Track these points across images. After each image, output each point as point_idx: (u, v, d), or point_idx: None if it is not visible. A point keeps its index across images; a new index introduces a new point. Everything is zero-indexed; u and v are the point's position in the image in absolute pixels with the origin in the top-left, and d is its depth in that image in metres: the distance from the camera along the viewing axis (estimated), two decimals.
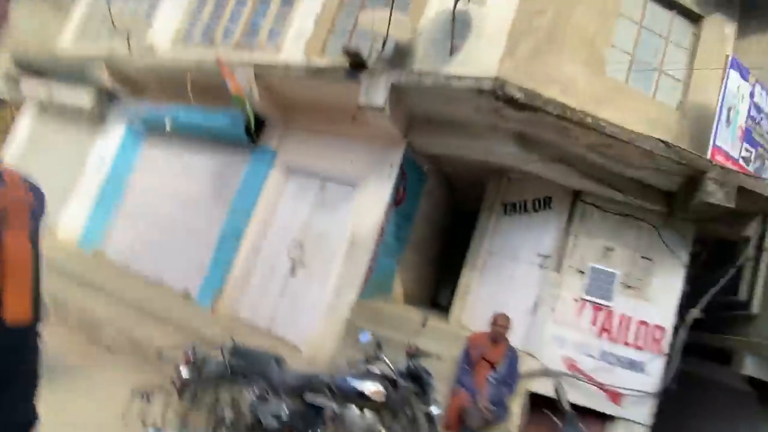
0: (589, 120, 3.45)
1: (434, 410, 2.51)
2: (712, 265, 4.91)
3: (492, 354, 3.51)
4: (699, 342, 4.66)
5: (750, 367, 4.37)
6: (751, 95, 3.98)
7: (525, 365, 3.83)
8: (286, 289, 4.91)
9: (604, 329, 4.08)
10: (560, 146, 3.91)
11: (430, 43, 4.33)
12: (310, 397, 2.48)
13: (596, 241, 4.28)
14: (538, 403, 3.95)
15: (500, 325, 3.58)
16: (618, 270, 4.20)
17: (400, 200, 4.79)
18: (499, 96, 3.43)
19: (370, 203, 4.56)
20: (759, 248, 5.01)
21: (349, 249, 4.51)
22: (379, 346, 2.76)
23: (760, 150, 4.15)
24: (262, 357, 2.71)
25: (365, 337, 2.86)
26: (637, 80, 4.40)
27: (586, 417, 3.61)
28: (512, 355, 3.55)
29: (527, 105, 3.41)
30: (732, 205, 3.59)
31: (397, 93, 3.98)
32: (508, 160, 4.16)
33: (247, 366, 2.60)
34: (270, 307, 4.94)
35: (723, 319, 5.04)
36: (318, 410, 2.44)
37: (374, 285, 4.69)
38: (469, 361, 3.56)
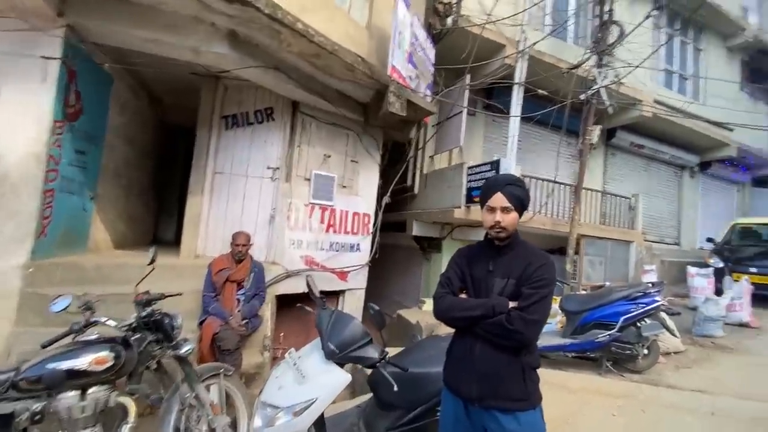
0: (299, 25, 3.43)
1: (184, 349, 2.25)
2: (390, 161, 6.46)
3: (237, 273, 3.43)
4: (388, 220, 6.27)
5: (415, 229, 6.37)
6: (412, 24, 5.07)
7: (270, 273, 4.01)
8: None
9: (330, 225, 4.76)
10: (274, 52, 3.77)
11: None
12: None
13: (316, 150, 4.69)
14: (285, 303, 4.34)
15: (241, 243, 3.49)
16: (335, 173, 4.84)
17: (75, 113, 3.44)
18: None
19: (16, 119, 3.03)
20: (416, 148, 7.02)
21: None
22: (89, 308, 2.14)
23: (417, 71, 5.51)
24: None
25: (61, 304, 2.13)
26: None
27: (325, 298, 4.31)
28: (257, 269, 3.60)
29: None
30: (404, 114, 4.67)
31: None
32: (222, 63, 3.66)
33: None
34: None
35: (400, 200, 6.96)
36: (5, 421, 1.68)
37: (59, 235, 3.42)
38: (214, 288, 3.37)
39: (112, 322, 2.17)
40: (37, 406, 1.78)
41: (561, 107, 6.37)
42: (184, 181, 5.37)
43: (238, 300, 3.42)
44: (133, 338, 2.16)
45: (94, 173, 3.98)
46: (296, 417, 1.82)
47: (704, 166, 10.71)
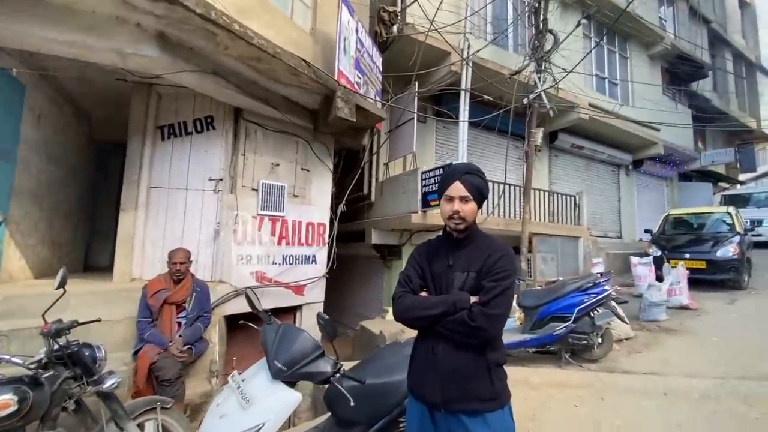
0: (237, 27, 3.26)
1: (108, 383, 1.96)
2: (344, 169, 6.35)
3: (176, 294, 3.12)
4: (347, 230, 6.12)
5: (374, 237, 6.26)
6: (356, 30, 5.05)
7: (217, 293, 3.71)
8: None
9: (282, 237, 4.52)
10: (211, 55, 3.55)
11: None
12: None
13: (263, 158, 4.46)
14: (234, 324, 4.03)
15: (178, 261, 3.19)
16: (285, 182, 4.63)
17: None
18: None
19: None
20: (371, 154, 6.96)
21: None
22: None
23: (365, 78, 5.48)
24: None
25: None
26: None
27: (279, 316, 4.04)
28: (200, 289, 3.30)
29: None
30: (354, 119, 4.58)
31: None
32: (152, 67, 3.38)
33: None
34: None
35: (357, 209, 6.84)
36: None
37: None
38: (150, 312, 3.04)
39: (17, 360, 1.86)
40: None
41: (506, 111, 6.62)
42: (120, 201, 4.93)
43: (179, 323, 3.10)
44: (44, 376, 1.85)
45: (5, 193, 3.51)
46: None
47: (637, 163, 11.60)
